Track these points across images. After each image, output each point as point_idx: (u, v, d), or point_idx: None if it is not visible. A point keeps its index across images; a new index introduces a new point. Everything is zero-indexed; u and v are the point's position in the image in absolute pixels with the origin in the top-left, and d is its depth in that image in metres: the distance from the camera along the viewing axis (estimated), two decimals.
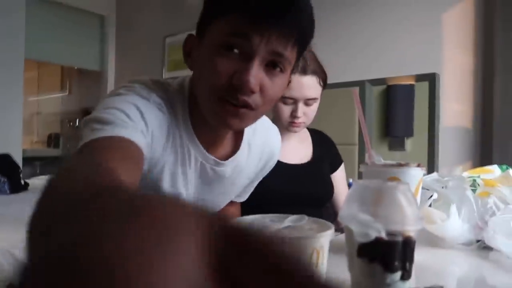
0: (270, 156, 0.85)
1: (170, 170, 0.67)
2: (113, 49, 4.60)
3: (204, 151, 0.70)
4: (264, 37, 0.55)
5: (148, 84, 0.64)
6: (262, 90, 0.58)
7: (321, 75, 1.13)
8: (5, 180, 2.85)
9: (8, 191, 2.63)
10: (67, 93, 5.53)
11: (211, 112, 0.61)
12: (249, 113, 0.60)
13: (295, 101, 1.10)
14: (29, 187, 2.83)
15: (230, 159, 0.74)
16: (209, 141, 0.70)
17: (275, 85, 0.60)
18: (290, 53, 0.59)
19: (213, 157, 0.71)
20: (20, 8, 3.73)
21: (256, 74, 0.56)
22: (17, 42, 3.71)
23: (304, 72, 1.08)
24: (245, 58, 0.56)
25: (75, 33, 4.38)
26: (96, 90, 4.68)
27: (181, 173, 0.69)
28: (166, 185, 0.67)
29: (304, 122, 1.13)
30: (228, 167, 0.74)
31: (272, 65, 0.59)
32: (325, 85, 1.17)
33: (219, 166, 0.73)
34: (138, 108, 0.58)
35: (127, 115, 0.55)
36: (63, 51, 4.31)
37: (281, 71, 0.60)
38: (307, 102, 1.11)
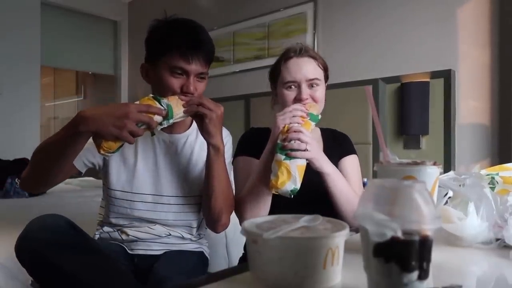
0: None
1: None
2: (126, 53, 4.67)
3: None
4: (193, 65, 1.06)
5: None
6: (197, 90, 1.09)
7: (320, 60, 1.15)
8: None
9: (27, 195, 2.69)
10: (82, 98, 5.63)
11: None
12: None
13: (298, 85, 1.11)
14: (47, 191, 2.89)
15: (182, 134, 1.20)
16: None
17: (202, 86, 1.11)
18: (205, 69, 1.10)
19: (167, 133, 1.19)
20: (35, 16, 3.81)
21: (193, 83, 1.07)
22: (33, 49, 3.80)
23: (300, 54, 1.13)
24: (187, 76, 1.08)
25: (89, 39, 4.46)
26: (111, 94, 4.75)
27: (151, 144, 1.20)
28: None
29: None
30: (180, 139, 1.19)
31: (199, 78, 1.10)
32: (326, 70, 1.17)
33: (172, 138, 1.19)
34: None
35: None
36: (77, 57, 4.39)
37: (204, 78, 1.12)
38: (310, 83, 1.11)
